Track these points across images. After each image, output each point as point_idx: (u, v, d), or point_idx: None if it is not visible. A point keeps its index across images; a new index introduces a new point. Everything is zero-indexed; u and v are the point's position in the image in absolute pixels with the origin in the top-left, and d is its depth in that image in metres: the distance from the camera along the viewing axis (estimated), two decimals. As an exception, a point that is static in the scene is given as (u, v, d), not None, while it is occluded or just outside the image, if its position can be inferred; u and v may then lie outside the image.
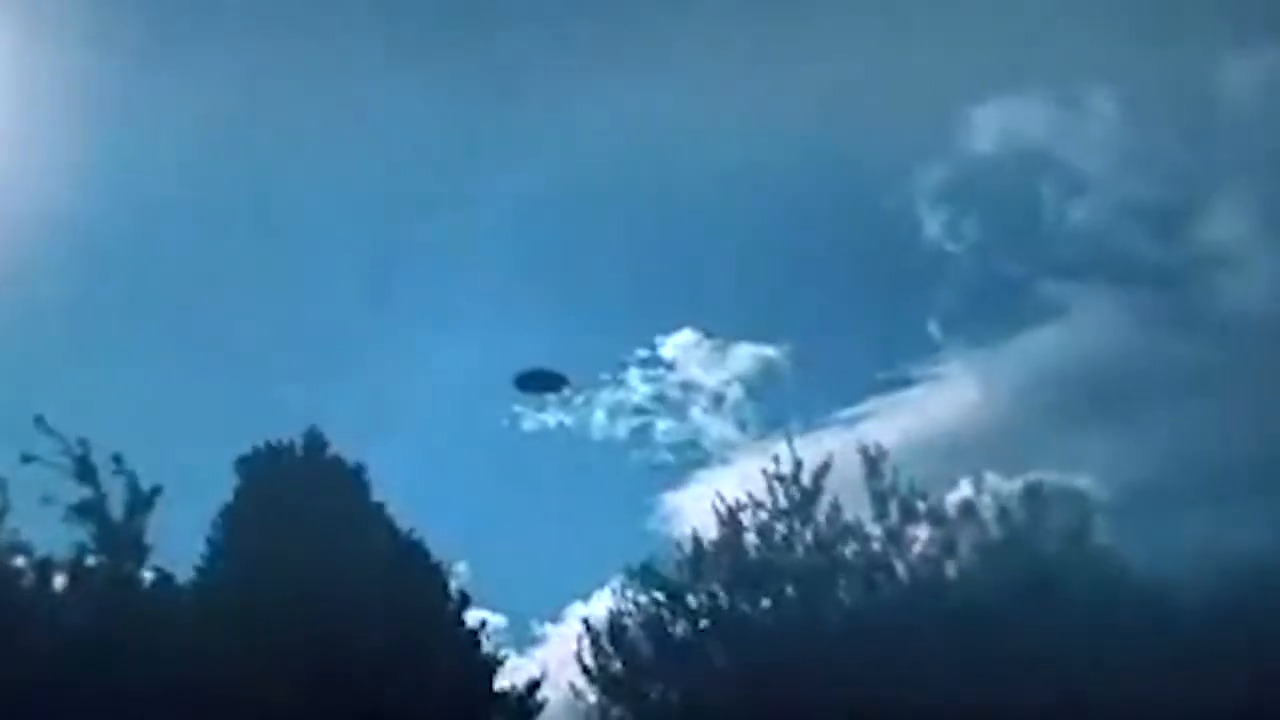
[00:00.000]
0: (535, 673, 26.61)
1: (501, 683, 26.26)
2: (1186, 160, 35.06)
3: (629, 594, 24.78)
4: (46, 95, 32.24)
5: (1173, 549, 23.99)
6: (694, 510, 26.50)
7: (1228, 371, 29.99)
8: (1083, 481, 25.43)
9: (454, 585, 26.27)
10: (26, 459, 22.45)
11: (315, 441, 26.34)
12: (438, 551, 26.32)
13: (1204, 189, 34.37)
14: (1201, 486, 25.91)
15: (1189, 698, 20.41)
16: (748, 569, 23.76)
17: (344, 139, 36.29)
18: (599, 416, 36.13)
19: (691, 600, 24.09)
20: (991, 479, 24.72)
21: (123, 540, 23.31)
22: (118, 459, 22.97)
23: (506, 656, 26.68)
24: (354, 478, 26.19)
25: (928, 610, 22.63)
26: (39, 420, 22.60)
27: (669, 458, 36.56)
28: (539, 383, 22.98)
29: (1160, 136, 35.69)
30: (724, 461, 33.40)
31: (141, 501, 23.06)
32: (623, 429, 36.80)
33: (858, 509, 24.11)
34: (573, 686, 25.11)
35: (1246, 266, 32.93)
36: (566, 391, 25.42)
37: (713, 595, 23.97)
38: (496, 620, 26.98)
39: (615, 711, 24.69)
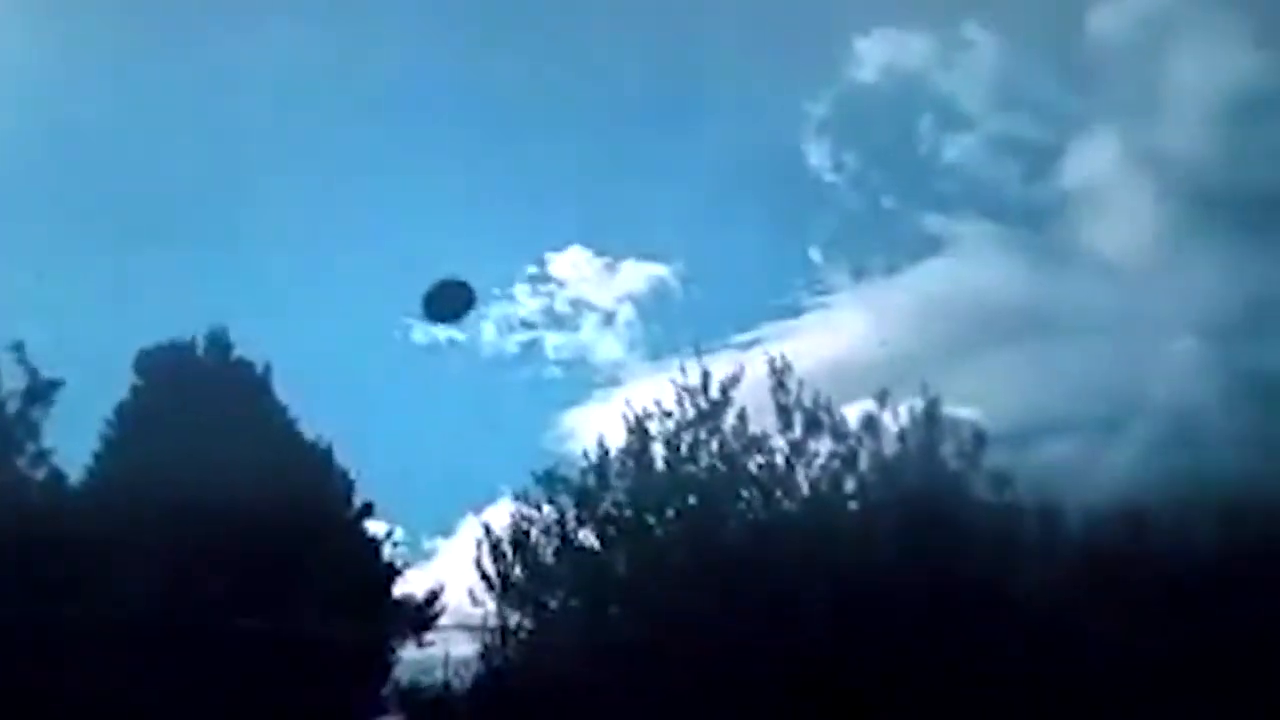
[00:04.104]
0: (429, 583, 26.76)
1: (398, 592, 26.39)
2: (1060, 100, 36.34)
3: (531, 501, 24.67)
4: None
5: (1055, 475, 24.99)
6: (586, 429, 26.65)
7: (1100, 308, 31.38)
8: (969, 411, 26.21)
9: (356, 494, 26.23)
10: None
11: (218, 341, 25.80)
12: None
13: (1076, 129, 35.69)
14: (1079, 416, 27.19)
15: (1077, 613, 21.48)
16: (654, 478, 23.94)
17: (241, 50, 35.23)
18: (489, 332, 35.93)
19: (596, 508, 24.16)
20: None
21: (15, 435, 22.69)
22: (18, 347, 22.20)
23: (407, 565, 26.76)
24: (257, 380, 25.76)
25: (828, 523, 23.16)
26: None
27: (558, 374, 36.62)
28: (447, 304, 22.52)
29: (1036, 76, 36.93)
30: (615, 382, 33.55)
31: (38, 395, 22.39)
32: (512, 345, 36.70)
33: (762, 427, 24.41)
34: (471, 594, 25.11)
35: (1116, 205, 34.41)
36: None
37: (618, 504, 24.08)
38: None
39: (514, 619, 24.71)
